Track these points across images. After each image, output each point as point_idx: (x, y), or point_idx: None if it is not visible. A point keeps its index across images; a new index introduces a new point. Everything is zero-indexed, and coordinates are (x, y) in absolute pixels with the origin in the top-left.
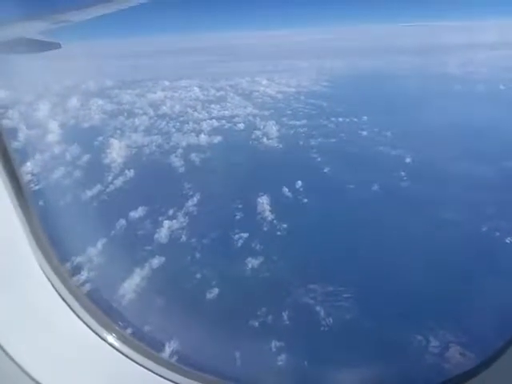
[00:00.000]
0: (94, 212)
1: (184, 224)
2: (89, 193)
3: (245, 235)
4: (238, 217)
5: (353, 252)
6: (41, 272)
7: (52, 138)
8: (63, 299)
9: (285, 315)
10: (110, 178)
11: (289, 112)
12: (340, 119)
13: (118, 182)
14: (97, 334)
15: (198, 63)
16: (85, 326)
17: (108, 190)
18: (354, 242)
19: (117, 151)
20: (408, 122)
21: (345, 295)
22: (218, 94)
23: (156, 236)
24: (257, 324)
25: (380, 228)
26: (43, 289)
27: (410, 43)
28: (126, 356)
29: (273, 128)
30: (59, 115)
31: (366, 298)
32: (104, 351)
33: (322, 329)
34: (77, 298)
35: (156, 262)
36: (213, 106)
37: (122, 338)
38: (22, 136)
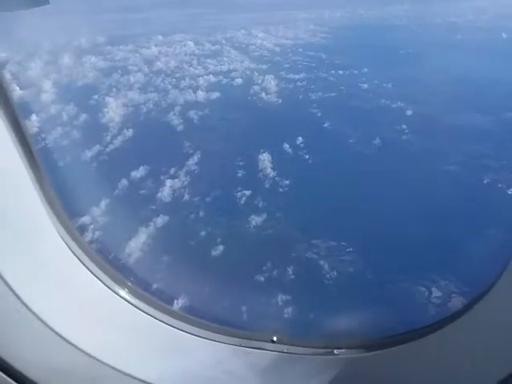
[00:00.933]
0: (95, 172)
1: (186, 183)
2: (88, 153)
3: (247, 192)
4: (239, 174)
5: (355, 206)
6: (54, 230)
7: (46, 97)
8: (75, 255)
9: (289, 270)
10: (108, 138)
11: (287, 65)
12: (340, 72)
13: (117, 141)
14: (108, 287)
15: (191, 16)
16: (97, 279)
17: (107, 149)
18: (355, 196)
19: (114, 110)
20: (409, 73)
21: (348, 249)
22: (214, 47)
23: (159, 195)
24: (262, 279)
25: (382, 181)
26: (57, 246)
27: None
28: (136, 307)
29: (271, 82)
30: (52, 74)
31: (368, 250)
32: (115, 303)
33: (325, 282)
34: (88, 255)
35: (160, 220)
36: (209, 60)
37: (132, 291)
38: (15, 96)
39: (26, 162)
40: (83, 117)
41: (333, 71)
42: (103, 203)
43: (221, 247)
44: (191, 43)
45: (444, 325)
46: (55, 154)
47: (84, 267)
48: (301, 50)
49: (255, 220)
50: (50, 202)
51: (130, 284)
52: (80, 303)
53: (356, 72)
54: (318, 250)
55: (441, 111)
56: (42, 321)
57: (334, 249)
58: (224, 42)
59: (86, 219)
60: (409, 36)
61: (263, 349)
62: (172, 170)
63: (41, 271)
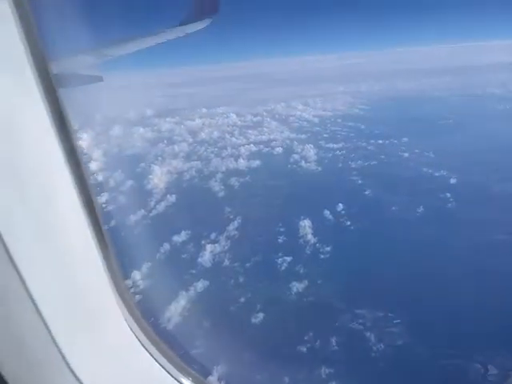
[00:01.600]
0: (138, 236)
1: (226, 247)
2: (133, 217)
3: (288, 258)
4: (280, 240)
5: (400, 275)
6: (118, 310)
7: (95, 165)
8: (138, 339)
9: (333, 340)
10: (152, 203)
11: (326, 135)
12: (379, 141)
13: (161, 206)
14: (168, 372)
15: (235, 90)
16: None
17: (151, 214)
18: (400, 265)
19: (158, 177)
20: (450, 143)
21: (395, 321)
22: (255, 119)
23: (199, 260)
24: (305, 350)
25: (428, 250)
26: (120, 328)
27: (446, 64)
28: None
29: (311, 151)
30: (102, 144)
31: (416, 322)
32: None
33: (372, 355)
34: (150, 339)
35: (200, 285)
36: (250, 131)
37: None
38: None
39: (95, 239)
40: (129, 183)
41: (372, 141)
42: (145, 267)
43: (261, 314)
44: (233, 115)
45: None
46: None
47: (146, 352)
48: (339, 120)
49: (296, 287)
50: (115, 281)
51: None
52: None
53: (396, 142)
54: (364, 321)
55: (485, 180)
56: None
57: (380, 320)
58: (265, 113)
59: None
60: (448, 107)
61: None
62: (213, 235)
63: (102, 352)
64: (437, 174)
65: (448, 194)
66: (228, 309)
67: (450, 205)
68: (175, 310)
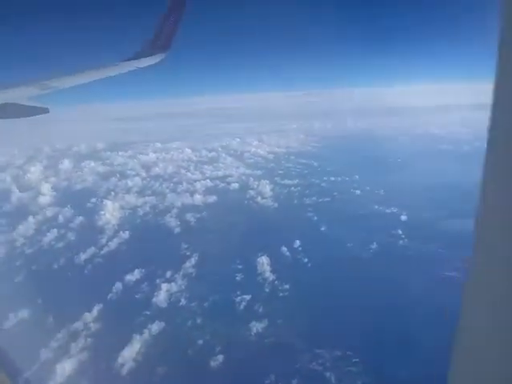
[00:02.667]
0: (89, 276)
1: (183, 287)
2: (83, 256)
3: (247, 297)
4: (238, 278)
5: (356, 312)
6: None
7: (44, 200)
8: None
9: (294, 383)
10: (104, 241)
11: (281, 172)
12: (332, 178)
13: (113, 243)
14: None
15: (188, 126)
16: None
17: (102, 252)
18: (357, 302)
19: (110, 213)
20: (398, 180)
21: (354, 360)
22: (210, 154)
23: (154, 300)
24: None
25: (382, 287)
26: None
27: (393, 105)
28: None
29: (266, 187)
30: (51, 177)
31: (374, 360)
32: None
33: None
34: None
35: (155, 327)
36: (205, 166)
37: None
38: (14, 199)
39: None
40: (79, 219)
41: (325, 178)
42: (96, 308)
43: (220, 357)
44: (188, 150)
45: None
46: (49, 256)
47: None
48: (293, 157)
49: (256, 327)
50: None
51: None
52: None
53: (348, 179)
54: (323, 361)
55: (432, 217)
56: None
57: (339, 359)
58: (220, 149)
59: (78, 325)
60: (396, 146)
61: None
62: (168, 274)
63: None
64: (387, 211)
65: (399, 231)
66: (186, 351)
67: (401, 241)
68: (127, 352)
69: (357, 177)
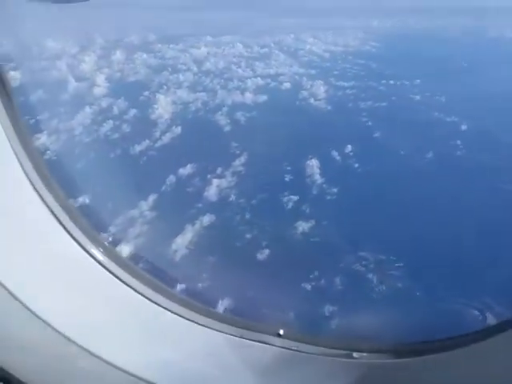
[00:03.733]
0: (144, 166)
1: (232, 183)
2: (138, 147)
3: (294, 198)
4: (286, 179)
5: (406, 220)
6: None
7: (99, 91)
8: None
9: (337, 280)
10: (157, 134)
11: (336, 72)
12: (391, 82)
13: (166, 138)
14: (84, 248)
15: (240, 19)
16: (78, 245)
17: (156, 145)
18: (407, 210)
19: (163, 107)
20: (462, 87)
21: (396, 264)
22: (262, 50)
23: (205, 194)
24: (309, 287)
25: (435, 197)
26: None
27: (462, 4)
28: (121, 279)
29: (320, 88)
30: (104, 68)
31: (420, 267)
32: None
33: (373, 296)
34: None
35: (207, 219)
36: (257, 63)
37: (121, 264)
38: (71, 88)
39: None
40: (133, 112)
41: (383, 81)
42: (151, 198)
43: (266, 251)
44: (240, 45)
45: (489, 336)
46: (106, 146)
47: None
48: (350, 57)
49: (302, 226)
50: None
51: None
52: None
53: (407, 83)
54: (367, 263)
55: (497, 128)
56: (11, 293)
57: (383, 263)
58: (273, 45)
59: (134, 212)
60: (462, 50)
61: (267, 343)
62: (219, 170)
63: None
64: (448, 120)
65: (458, 141)
66: (234, 243)
67: (459, 152)
68: (181, 242)
69: (418, 81)
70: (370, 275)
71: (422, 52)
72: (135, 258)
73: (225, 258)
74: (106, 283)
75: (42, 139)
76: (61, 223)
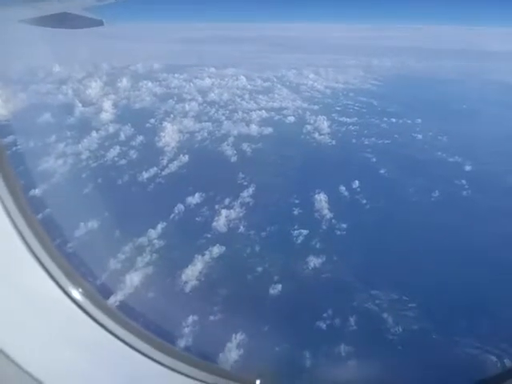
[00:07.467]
0: (152, 194)
1: (241, 214)
2: (145, 174)
3: (304, 232)
4: (295, 212)
5: (411, 258)
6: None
7: (106, 116)
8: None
9: (351, 320)
10: (165, 162)
11: (338, 108)
12: (393, 120)
13: (173, 166)
14: (60, 287)
15: (243, 52)
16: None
17: (163, 173)
18: (417, 248)
19: (170, 135)
20: (463, 128)
21: (410, 304)
22: (265, 84)
23: (214, 224)
24: (324, 326)
25: (444, 236)
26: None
27: (464, 46)
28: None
29: (324, 123)
30: (111, 94)
31: (431, 307)
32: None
33: (388, 337)
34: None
35: (217, 250)
36: (260, 96)
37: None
38: (77, 112)
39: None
40: (139, 139)
41: (385, 118)
42: (159, 226)
43: (279, 286)
44: (243, 78)
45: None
46: (113, 172)
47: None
48: (352, 94)
49: (313, 261)
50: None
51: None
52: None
53: (409, 122)
54: (380, 302)
55: (501, 170)
56: None
57: (395, 302)
58: (275, 79)
59: (143, 240)
60: (462, 91)
61: None
62: (227, 200)
63: None
64: (451, 160)
65: (463, 181)
66: (246, 276)
67: (465, 192)
68: (190, 271)
69: (419, 120)
70: (385, 315)
71: (421, 92)
72: (144, 287)
73: (237, 291)
74: (83, 324)
75: (50, 162)
76: (39, 261)
